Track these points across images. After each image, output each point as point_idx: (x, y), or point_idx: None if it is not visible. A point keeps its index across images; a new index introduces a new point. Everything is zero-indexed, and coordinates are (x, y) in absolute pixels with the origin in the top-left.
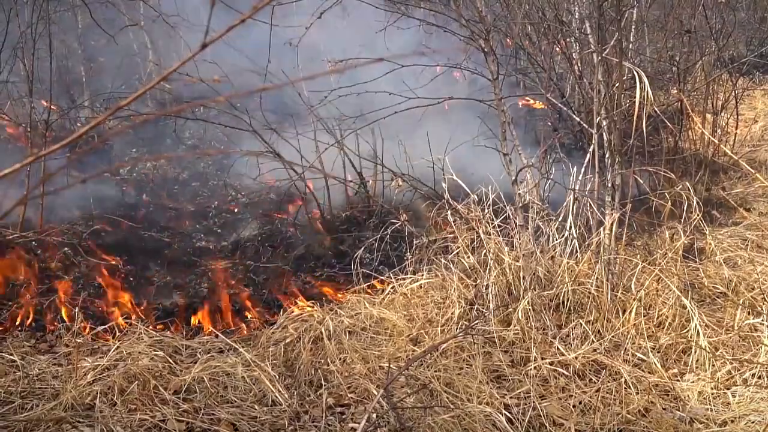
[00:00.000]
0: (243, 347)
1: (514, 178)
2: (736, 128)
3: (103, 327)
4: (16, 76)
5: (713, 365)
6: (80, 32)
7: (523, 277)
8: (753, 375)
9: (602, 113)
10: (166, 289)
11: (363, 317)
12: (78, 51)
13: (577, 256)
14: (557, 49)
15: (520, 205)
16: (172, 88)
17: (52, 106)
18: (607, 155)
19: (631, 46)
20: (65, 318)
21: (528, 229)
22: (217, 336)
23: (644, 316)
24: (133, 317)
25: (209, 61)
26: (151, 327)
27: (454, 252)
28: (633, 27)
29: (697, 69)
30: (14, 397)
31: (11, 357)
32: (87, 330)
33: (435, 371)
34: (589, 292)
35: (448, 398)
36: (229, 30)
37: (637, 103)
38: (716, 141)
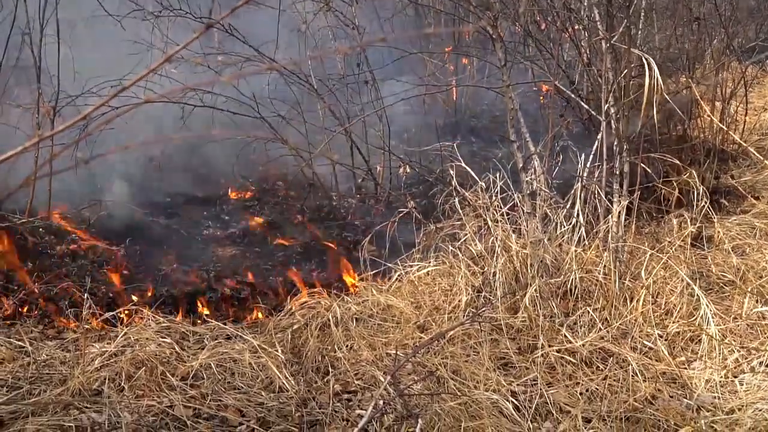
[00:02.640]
0: (250, 334)
1: (521, 165)
2: (746, 116)
3: (110, 313)
4: (24, 61)
5: (721, 353)
6: (88, 19)
7: (531, 265)
8: (761, 363)
9: (610, 101)
10: (173, 275)
11: (370, 304)
12: (86, 38)
13: (584, 244)
14: (566, 36)
15: (528, 192)
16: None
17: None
18: (615, 143)
19: (639, 33)
20: (73, 304)
21: (536, 216)
22: (224, 323)
23: (652, 304)
24: (141, 304)
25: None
26: (158, 313)
27: (462, 239)
28: (642, 14)
29: (707, 57)
30: (22, 383)
31: (19, 342)
32: (94, 316)
33: (442, 358)
34: (597, 280)
35: (455, 385)
36: (233, 11)
37: (646, 90)
38: (725, 128)
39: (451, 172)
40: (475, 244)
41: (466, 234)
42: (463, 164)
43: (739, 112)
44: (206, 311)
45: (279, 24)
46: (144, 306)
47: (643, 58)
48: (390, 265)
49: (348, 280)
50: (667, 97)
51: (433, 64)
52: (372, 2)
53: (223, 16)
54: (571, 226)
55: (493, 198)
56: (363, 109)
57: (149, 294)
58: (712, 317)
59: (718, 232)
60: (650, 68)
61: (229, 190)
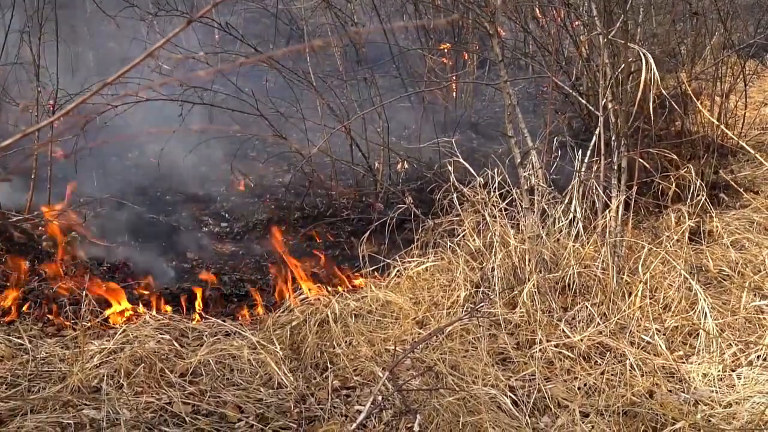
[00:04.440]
0: (249, 330)
1: (519, 160)
2: (745, 111)
3: (109, 311)
4: (23, 59)
5: (719, 347)
6: (87, 16)
7: (529, 260)
8: (758, 357)
9: (608, 96)
10: (173, 272)
11: (369, 300)
12: (85, 36)
13: (582, 239)
14: (565, 31)
15: (526, 187)
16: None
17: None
18: (613, 138)
19: (639, 29)
20: (71, 301)
21: (534, 211)
22: (223, 319)
23: (650, 299)
24: (140, 301)
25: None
26: (157, 311)
27: (460, 235)
28: (641, 9)
29: (706, 52)
30: (21, 380)
31: (19, 340)
32: (93, 313)
33: (440, 354)
34: (595, 275)
35: (453, 380)
36: (215, 6)
37: (642, 85)
38: (717, 123)
39: (449, 167)
40: (474, 240)
41: (465, 230)
42: (461, 160)
43: (738, 107)
44: (205, 308)
45: (278, 21)
46: (143, 303)
47: (641, 53)
48: (389, 261)
49: (348, 277)
50: (664, 92)
51: (432, 60)
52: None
53: (203, 11)
54: (568, 221)
55: (492, 193)
56: (362, 106)
57: (148, 291)
58: (710, 312)
59: (717, 226)
60: (647, 63)
61: (229, 188)
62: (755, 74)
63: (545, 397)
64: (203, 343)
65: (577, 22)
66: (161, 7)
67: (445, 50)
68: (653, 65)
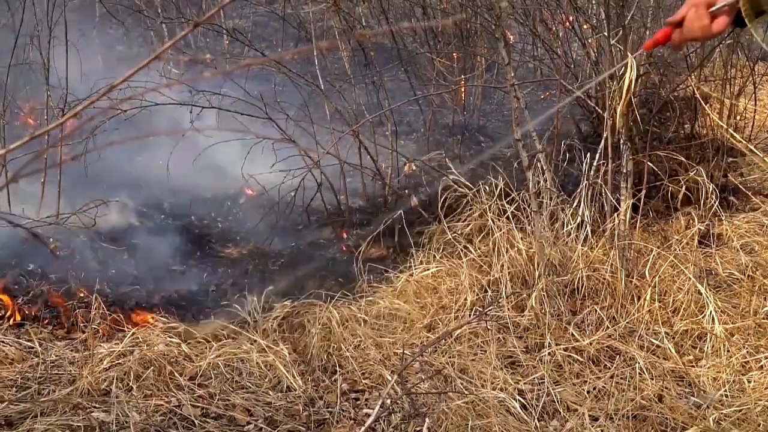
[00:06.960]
0: (258, 333)
1: (527, 163)
2: (754, 114)
3: (118, 314)
4: (32, 63)
5: (728, 351)
6: (97, 21)
7: (537, 263)
8: None
9: (615, 98)
10: (181, 275)
11: (376, 303)
12: (95, 39)
13: (591, 243)
14: (572, 33)
15: (534, 190)
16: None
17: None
18: (621, 141)
19: (647, 32)
20: (81, 304)
21: (541, 214)
22: (231, 322)
23: (659, 302)
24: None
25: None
26: (166, 314)
27: (467, 238)
28: (650, 12)
29: (715, 54)
30: (31, 383)
31: (29, 343)
32: (103, 316)
33: (449, 357)
34: (604, 278)
35: (462, 384)
36: (219, 9)
37: (626, 85)
38: (725, 126)
39: (456, 171)
40: (481, 243)
41: (472, 233)
42: (470, 163)
43: (748, 110)
44: (212, 311)
45: (287, 26)
46: (152, 306)
47: (643, 56)
48: (395, 264)
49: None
50: (664, 94)
51: (440, 64)
52: (380, 3)
53: (209, 14)
54: (577, 224)
55: (499, 196)
56: (370, 109)
57: (157, 294)
58: (719, 315)
59: (726, 230)
60: (637, 66)
61: (237, 191)
62: (765, 76)
63: (554, 401)
64: (212, 346)
65: (585, 26)
66: (168, 13)
67: (453, 53)
68: (635, 65)
